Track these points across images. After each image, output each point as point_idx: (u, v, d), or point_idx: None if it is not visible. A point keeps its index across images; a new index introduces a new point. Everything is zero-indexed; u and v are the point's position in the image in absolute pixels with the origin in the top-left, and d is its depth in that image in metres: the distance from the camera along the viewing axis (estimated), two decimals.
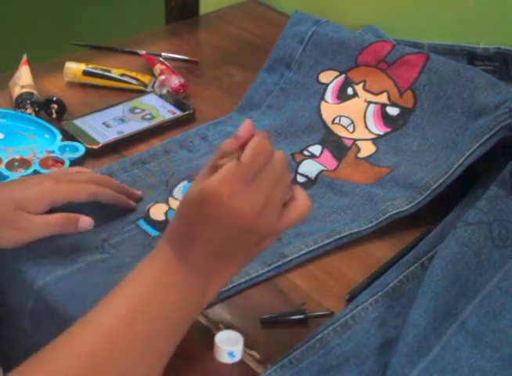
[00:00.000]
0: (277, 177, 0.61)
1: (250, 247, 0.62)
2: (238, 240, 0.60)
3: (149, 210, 0.81)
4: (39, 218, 0.71)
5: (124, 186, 0.82)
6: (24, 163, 0.86)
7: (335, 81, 0.94)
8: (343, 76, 0.94)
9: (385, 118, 0.90)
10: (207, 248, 0.60)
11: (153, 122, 0.95)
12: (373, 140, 0.89)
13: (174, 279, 0.60)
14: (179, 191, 0.84)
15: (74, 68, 1.03)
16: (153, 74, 1.05)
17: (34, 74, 1.00)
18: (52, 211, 0.73)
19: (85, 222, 0.73)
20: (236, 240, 0.60)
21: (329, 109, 0.93)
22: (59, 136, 0.90)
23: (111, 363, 0.56)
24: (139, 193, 0.82)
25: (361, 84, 0.92)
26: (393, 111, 0.90)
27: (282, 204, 0.61)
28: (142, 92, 1.01)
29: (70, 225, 0.73)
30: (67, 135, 0.91)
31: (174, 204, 0.82)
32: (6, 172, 0.84)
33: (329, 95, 0.94)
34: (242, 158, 0.59)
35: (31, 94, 0.95)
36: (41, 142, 0.91)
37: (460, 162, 0.80)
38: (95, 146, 0.90)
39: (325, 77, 0.95)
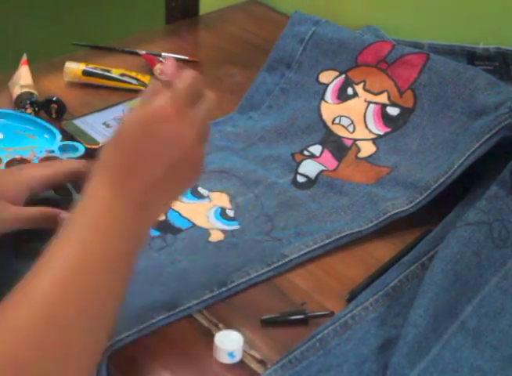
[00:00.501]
0: (210, 107, 0.64)
1: (184, 176, 0.62)
2: (176, 165, 0.60)
3: None
4: (20, 210, 0.71)
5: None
6: (24, 163, 0.86)
7: (335, 81, 0.94)
8: (343, 76, 0.94)
9: (385, 118, 0.90)
10: (147, 175, 0.59)
11: None
12: (373, 140, 0.89)
13: (113, 219, 0.58)
14: None
15: (74, 68, 1.03)
16: (153, 74, 1.05)
17: (34, 73, 1.00)
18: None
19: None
20: (173, 166, 0.60)
21: (330, 109, 0.93)
22: (59, 136, 0.90)
23: (66, 304, 0.55)
24: None
25: (361, 85, 0.92)
26: (393, 111, 0.90)
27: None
28: (142, 92, 1.01)
29: (47, 220, 0.70)
30: (67, 135, 0.91)
31: (174, 203, 0.82)
32: None
33: (330, 95, 0.94)
34: (180, 84, 0.61)
35: (31, 94, 0.95)
36: (40, 142, 0.91)
37: (460, 162, 0.80)
38: (95, 146, 0.90)
39: (325, 77, 0.95)
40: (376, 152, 0.88)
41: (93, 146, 0.89)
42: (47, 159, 0.86)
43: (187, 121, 0.61)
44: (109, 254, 0.58)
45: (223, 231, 0.79)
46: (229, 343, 0.65)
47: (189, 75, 0.63)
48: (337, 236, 0.78)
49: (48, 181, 0.74)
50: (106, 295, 0.57)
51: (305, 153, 0.90)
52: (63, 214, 0.71)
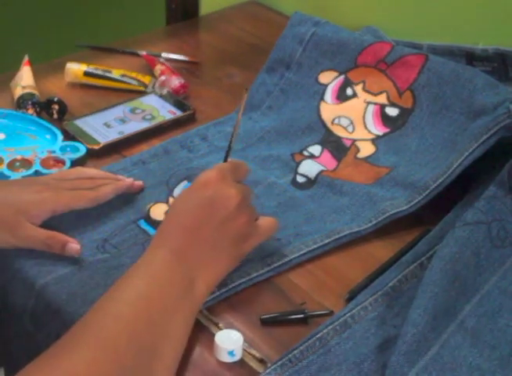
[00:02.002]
0: (252, 196, 0.72)
1: (233, 243, 0.67)
2: (226, 223, 0.67)
3: (149, 210, 0.81)
4: (32, 231, 0.72)
5: (124, 179, 0.82)
6: (25, 163, 0.86)
7: (335, 82, 0.94)
8: (342, 76, 0.94)
9: (384, 119, 0.90)
10: (196, 238, 0.66)
11: (154, 122, 0.95)
12: (373, 140, 0.89)
13: (165, 269, 0.64)
14: (179, 191, 0.84)
15: (75, 69, 1.03)
16: (153, 75, 1.06)
17: (36, 74, 1.00)
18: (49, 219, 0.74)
19: (73, 249, 0.73)
20: (224, 225, 0.67)
21: (329, 109, 0.93)
22: (60, 136, 0.91)
23: (120, 338, 0.58)
24: (141, 183, 0.84)
25: (360, 85, 0.93)
26: (392, 112, 0.90)
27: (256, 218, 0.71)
28: (142, 93, 1.02)
29: (56, 246, 0.72)
30: (68, 136, 0.91)
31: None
32: (8, 172, 0.84)
33: (329, 95, 0.94)
34: (230, 160, 0.71)
35: (32, 94, 0.96)
36: (42, 143, 0.91)
37: (459, 162, 0.80)
38: (96, 147, 0.90)
39: (324, 77, 0.95)
40: (375, 152, 0.88)
41: (94, 147, 0.90)
42: (48, 159, 0.87)
43: (231, 184, 0.68)
44: (166, 298, 0.62)
45: None
46: (229, 342, 0.65)
47: (240, 160, 0.74)
48: (337, 236, 0.78)
49: (70, 207, 0.75)
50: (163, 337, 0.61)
51: (305, 153, 0.90)
52: (70, 244, 0.73)
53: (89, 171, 0.81)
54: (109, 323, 0.58)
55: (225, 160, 0.73)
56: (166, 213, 0.70)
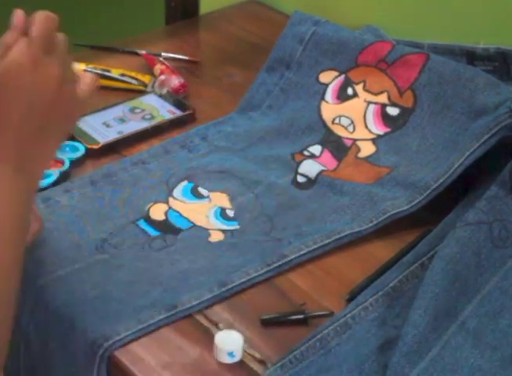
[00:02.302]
0: (65, 49, 0.64)
1: (59, 120, 0.61)
2: (47, 111, 0.60)
3: (149, 210, 0.81)
4: None
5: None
6: None
7: (335, 81, 0.94)
8: (343, 76, 0.94)
9: (385, 118, 0.90)
10: (19, 132, 0.58)
11: (153, 122, 0.95)
12: (373, 140, 0.89)
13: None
14: (179, 191, 0.84)
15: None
16: (152, 74, 1.05)
17: None
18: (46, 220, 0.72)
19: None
20: (44, 113, 0.59)
21: (330, 109, 0.93)
22: None
23: None
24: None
25: (361, 85, 0.92)
26: (393, 111, 0.90)
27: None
28: (142, 92, 1.01)
29: None
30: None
31: (174, 203, 0.82)
32: None
33: (329, 95, 0.94)
34: (34, 31, 0.60)
35: None
36: None
37: (460, 162, 0.80)
38: (96, 146, 0.90)
39: (325, 77, 0.95)
40: (376, 152, 0.88)
41: (93, 146, 0.90)
42: None
43: (45, 66, 0.59)
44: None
45: (223, 231, 0.79)
46: (229, 343, 0.65)
47: (41, 19, 0.61)
48: (337, 236, 0.78)
49: None
50: None
51: (305, 153, 0.90)
52: None
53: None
54: None
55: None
56: None
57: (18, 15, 0.61)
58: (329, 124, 0.92)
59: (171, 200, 0.83)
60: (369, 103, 0.91)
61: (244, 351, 0.66)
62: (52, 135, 0.61)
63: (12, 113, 0.58)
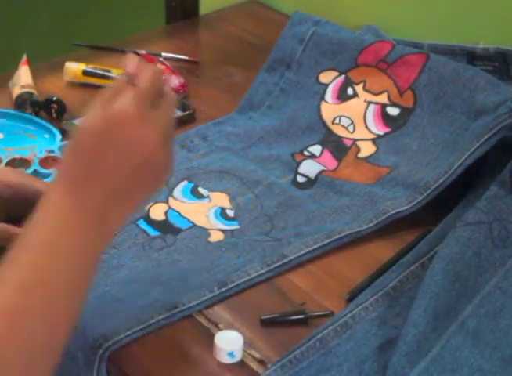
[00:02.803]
0: (172, 107, 0.62)
1: (148, 182, 0.59)
2: (139, 171, 0.57)
3: (148, 210, 0.81)
4: None
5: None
6: (24, 163, 0.86)
7: (335, 82, 0.94)
8: (343, 76, 0.94)
9: (385, 118, 0.90)
10: (106, 186, 0.56)
11: None
12: (373, 140, 0.89)
13: (69, 236, 0.55)
14: (179, 191, 0.84)
15: (74, 68, 1.03)
16: None
17: (34, 73, 1.00)
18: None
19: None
20: (136, 172, 0.57)
21: (330, 109, 0.93)
22: (59, 136, 0.90)
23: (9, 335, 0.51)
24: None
25: (361, 85, 0.92)
26: (393, 111, 0.90)
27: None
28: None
29: (5, 239, 0.65)
30: (67, 135, 0.91)
31: (174, 203, 0.82)
32: None
33: (330, 95, 0.93)
34: (140, 84, 0.58)
35: (31, 94, 0.95)
36: (41, 142, 0.91)
37: (460, 162, 0.80)
38: None
39: (325, 77, 0.95)
40: (376, 152, 0.88)
41: None
42: (47, 159, 0.86)
43: (149, 123, 0.57)
44: (63, 277, 0.54)
45: (223, 231, 0.79)
46: (229, 343, 0.65)
47: (150, 72, 0.59)
48: (337, 236, 0.78)
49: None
50: (56, 321, 0.54)
51: (305, 153, 0.90)
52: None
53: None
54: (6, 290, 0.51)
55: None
56: (67, 145, 0.58)
57: (131, 61, 0.59)
58: (329, 124, 0.92)
59: (170, 200, 0.83)
60: (369, 103, 0.91)
61: (244, 351, 0.66)
62: (138, 192, 0.59)
63: (106, 161, 0.56)
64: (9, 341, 0.51)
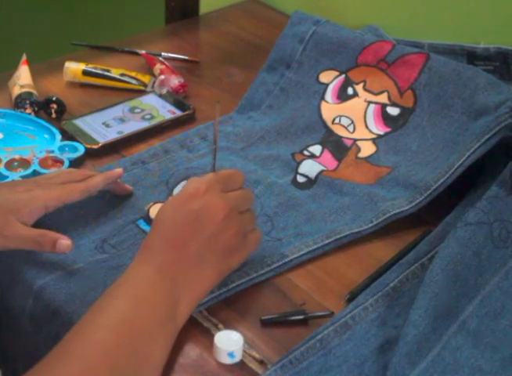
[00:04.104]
0: (247, 202, 0.70)
1: (220, 258, 0.66)
2: (211, 238, 0.65)
3: (149, 210, 0.80)
4: (22, 230, 0.70)
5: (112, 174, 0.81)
6: (24, 163, 0.86)
7: (335, 81, 0.94)
8: (343, 76, 0.94)
9: (385, 118, 0.90)
10: (181, 252, 0.64)
11: (153, 122, 0.95)
12: (374, 140, 0.89)
13: (148, 289, 0.62)
14: (179, 191, 0.84)
15: (74, 68, 1.03)
16: (152, 74, 1.05)
17: (34, 73, 1.00)
18: (48, 216, 0.73)
19: (63, 245, 0.71)
20: (208, 240, 0.65)
21: (330, 109, 0.93)
22: (59, 136, 0.90)
23: (102, 368, 0.57)
24: (130, 187, 0.83)
25: (361, 84, 0.92)
26: (393, 111, 0.90)
27: (248, 230, 0.69)
28: (141, 92, 1.01)
29: (46, 244, 0.70)
30: (67, 135, 0.91)
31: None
32: (6, 172, 0.84)
33: (330, 95, 0.93)
34: (221, 172, 0.69)
35: (31, 94, 0.95)
36: (40, 142, 0.91)
37: (461, 162, 0.80)
38: (95, 146, 0.89)
39: (325, 77, 0.95)
40: (376, 152, 0.88)
41: (93, 146, 0.89)
42: (47, 159, 0.86)
43: (218, 196, 0.66)
44: (149, 322, 0.61)
45: None
46: (229, 343, 0.65)
47: (233, 170, 0.71)
48: (337, 237, 0.78)
49: (62, 201, 0.74)
50: (140, 361, 0.59)
51: (305, 153, 0.89)
52: (60, 240, 0.71)
53: (80, 171, 0.80)
54: (90, 351, 0.57)
55: (213, 169, 0.71)
56: (151, 225, 0.67)
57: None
58: (329, 124, 0.92)
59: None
60: (369, 102, 0.91)
61: (244, 351, 0.66)
62: (212, 261, 0.66)
63: (180, 230, 0.65)
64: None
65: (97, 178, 0.78)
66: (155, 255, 0.64)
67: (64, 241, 0.71)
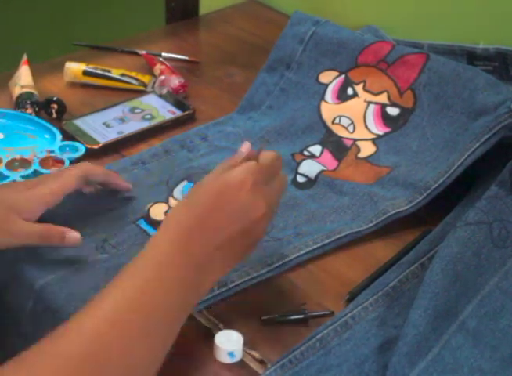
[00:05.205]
0: (282, 189, 0.68)
1: (246, 246, 0.64)
2: (242, 235, 0.62)
3: (149, 210, 0.81)
4: (26, 226, 0.70)
5: (113, 173, 0.81)
6: (24, 163, 0.86)
7: (335, 82, 0.94)
8: (343, 76, 0.94)
9: (385, 118, 0.90)
10: (214, 240, 0.61)
11: (153, 122, 0.95)
12: (373, 140, 0.89)
13: (174, 272, 0.60)
14: (179, 191, 0.84)
15: (74, 68, 1.03)
16: (153, 74, 1.05)
17: (34, 74, 1.00)
18: (49, 216, 0.73)
19: (72, 238, 0.71)
20: (239, 235, 0.62)
21: (330, 109, 0.93)
22: (59, 136, 0.90)
23: (112, 349, 0.55)
24: (129, 185, 0.82)
25: (361, 85, 0.92)
26: (393, 111, 0.90)
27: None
28: (142, 92, 1.01)
29: (54, 238, 0.71)
30: (67, 135, 0.91)
31: (174, 203, 0.82)
32: (6, 172, 0.84)
33: (330, 95, 0.94)
34: (261, 161, 0.65)
35: (31, 94, 0.95)
36: (41, 142, 0.91)
37: (460, 162, 0.80)
38: (95, 146, 0.90)
39: (325, 77, 0.95)
40: (376, 152, 0.88)
41: (93, 146, 0.90)
42: (47, 159, 0.86)
43: (261, 194, 0.63)
44: (164, 303, 0.59)
45: None
46: (229, 343, 0.65)
47: (271, 154, 0.67)
48: (337, 236, 0.78)
49: (63, 192, 0.74)
50: (151, 340, 0.58)
51: (305, 153, 0.90)
52: (68, 232, 0.71)
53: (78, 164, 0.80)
54: (102, 326, 0.55)
55: (257, 156, 0.68)
56: (184, 197, 0.64)
57: (245, 146, 0.68)
58: (329, 124, 0.92)
59: (171, 200, 0.83)
60: (369, 103, 0.91)
61: (244, 351, 0.66)
62: (236, 253, 0.64)
63: (215, 219, 0.62)
64: (109, 350, 0.55)
65: (96, 167, 0.78)
66: (183, 233, 0.61)
67: (73, 234, 0.71)
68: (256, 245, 0.66)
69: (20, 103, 0.94)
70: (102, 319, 0.56)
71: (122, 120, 0.95)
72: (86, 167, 0.77)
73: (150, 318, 0.58)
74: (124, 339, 0.56)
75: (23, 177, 0.83)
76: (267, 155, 0.67)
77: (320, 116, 0.93)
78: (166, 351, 0.59)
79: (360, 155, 0.88)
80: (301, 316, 0.69)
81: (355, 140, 0.90)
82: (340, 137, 0.90)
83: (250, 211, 0.63)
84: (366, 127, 0.90)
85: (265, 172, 0.65)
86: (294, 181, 0.86)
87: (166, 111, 0.97)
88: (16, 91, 0.96)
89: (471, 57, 1.01)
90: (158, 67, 1.05)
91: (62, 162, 0.86)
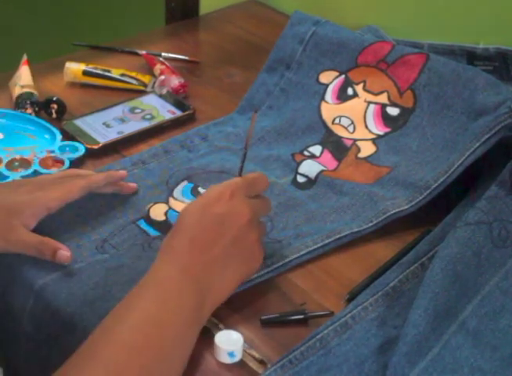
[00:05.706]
0: (266, 210, 0.71)
1: (242, 262, 0.67)
2: (234, 243, 0.65)
3: (149, 210, 0.81)
4: (24, 235, 0.71)
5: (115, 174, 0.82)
6: (24, 163, 0.86)
7: (335, 82, 0.94)
8: (343, 76, 0.94)
9: (385, 118, 0.90)
10: (207, 254, 0.64)
11: (153, 122, 0.95)
12: (373, 140, 0.89)
13: (176, 291, 0.62)
14: (179, 191, 0.84)
15: (74, 68, 1.03)
16: (153, 74, 1.05)
17: (34, 74, 1.00)
18: (49, 216, 0.73)
19: (63, 256, 0.71)
20: (232, 244, 0.65)
21: (330, 109, 0.93)
22: (59, 136, 0.90)
23: (131, 370, 0.57)
24: (134, 185, 0.83)
25: (361, 85, 0.92)
26: (393, 111, 0.90)
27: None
28: (142, 92, 1.01)
29: (47, 252, 0.71)
30: (67, 135, 0.91)
31: (174, 204, 0.82)
32: (6, 172, 0.84)
33: (330, 95, 0.94)
34: (244, 177, 0.69)
35: (31, 94, 0.95)
36: (41, 142, 0.91)
37: (460, 162, 0.80)
38: (95, 146, 0.90)
39: (325, 77, 0.95)
40: (376, 152, 0.88)
41: (93, 146, 0.90)
42: (47, 159, 0.86)
43: (241, 203, 0.66)
44: (176, 323, 0.61)
45: None
46: (229, 343, 0.65)
47: (255, 173, 0.71)
48: (337, 236, 0.78)
49: (64, 200, 0.74)
50: (163, 362, 0.59)
51: (305, 153, 0.90)
52: (60, 250, 0.71)
53: (81, 170, 0.81)
54: (119, 352, 0.57)
55: (240, 173, 0.72)
56: (174, 225, 0.67)
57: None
58: (329, 124, 0.92)
59: (171, 200, 0.83)
60: (369, 103, 0.91)
61: (244, 351, 0.66)
62: (235, 264, 0.66)
63: (206, 232, 0.65)
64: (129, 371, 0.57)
65: (99, 175, 0.78)
66: (180, 256, 0.64)
67: (64, 252, 0.71)
68: (255, 259, 0.68)
69: (20, 103, 0.94)
70: (120, 343, 0.58)
71: (122, 120, 0.95)
72: (91, 179, 0.77)
73: (161, 335, 0.59)
74: (140, 359, 0.57)
75: (22, 177, 0.83)
76: (251, 173, 0.70)
77: (320, 116, 0.93)
78: (181, 365, 0.61)
79: (360, 155, 0.88)
80: (301, 316, 0.69)
81: (355, 140, 0.90)
82: (341, 137, 0.90)
83: (233, 217, 0.65)
84: (366, 127, 0.90)
85: (246, 186, 0.68)
86: (294, 181, 0.86)
87: (166, 111, 0.97)
88: (16, 91, 0.96)
89: (471, 57, 1.01)
90: (158, 67, 1.05)
91: (62, 162, 0.86)
